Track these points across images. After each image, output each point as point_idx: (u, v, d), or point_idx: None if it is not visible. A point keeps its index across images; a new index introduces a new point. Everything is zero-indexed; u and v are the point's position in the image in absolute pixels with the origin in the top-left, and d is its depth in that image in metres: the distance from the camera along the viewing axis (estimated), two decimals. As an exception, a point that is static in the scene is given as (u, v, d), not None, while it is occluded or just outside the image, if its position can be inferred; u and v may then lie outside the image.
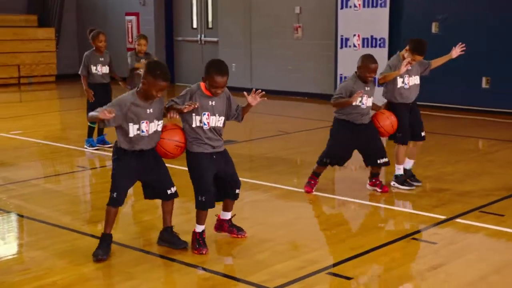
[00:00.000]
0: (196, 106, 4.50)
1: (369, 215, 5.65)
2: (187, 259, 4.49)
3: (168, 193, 4.63)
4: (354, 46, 12.32)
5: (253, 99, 4.67)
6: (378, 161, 6.00)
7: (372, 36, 12.17)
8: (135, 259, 4.54)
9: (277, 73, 13.86)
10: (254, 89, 4.72)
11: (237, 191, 4.78)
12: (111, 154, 4.63)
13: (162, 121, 4.56)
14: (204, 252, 4.58)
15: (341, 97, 5.87)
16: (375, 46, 12.13)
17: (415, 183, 6.37)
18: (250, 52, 14.35)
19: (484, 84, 11.22)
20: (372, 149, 6.01)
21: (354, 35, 12.29)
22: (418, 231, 5.12)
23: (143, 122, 4.41)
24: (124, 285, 4.11)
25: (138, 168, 4.51)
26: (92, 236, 5.00)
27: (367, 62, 5.81)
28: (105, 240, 4.55)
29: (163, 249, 4.69)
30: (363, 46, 12.24)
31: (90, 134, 8.35)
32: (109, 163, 7.64)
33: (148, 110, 4.44)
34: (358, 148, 6.06)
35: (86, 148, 8.30)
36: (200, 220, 4.66)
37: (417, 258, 4.57)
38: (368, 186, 6.27)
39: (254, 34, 14.25)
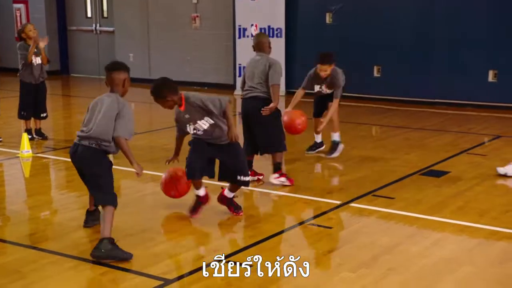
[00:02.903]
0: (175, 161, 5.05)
1: (269, 203, 5.73)
2: (83, 254, 4.36)
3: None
4: (252, 36, 12.41)
5: None
6: None
7: (269, 26, 12.31)
8: (25, 257, 4.37)
9: (176, 63, 13.71)
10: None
11: (240, 178, 5.00)
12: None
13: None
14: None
15: None
16: (272, 36, 12.28)
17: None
18: (147, 42, 14.11)
19: (375, 73, 11.65)
20: None
21: (252, 25, 12.39)
22: (315, 217, 5.26)
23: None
24: (16, 285, 3.94)
25: None
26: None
27: None
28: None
29: (56, 245, 4.52)
30: (260, 36, 12.35)
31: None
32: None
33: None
34: None
35: None
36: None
37: (314, 243, 4.70)
38: (274, 180, 6.07)
39: (151, 24, 14.02)
